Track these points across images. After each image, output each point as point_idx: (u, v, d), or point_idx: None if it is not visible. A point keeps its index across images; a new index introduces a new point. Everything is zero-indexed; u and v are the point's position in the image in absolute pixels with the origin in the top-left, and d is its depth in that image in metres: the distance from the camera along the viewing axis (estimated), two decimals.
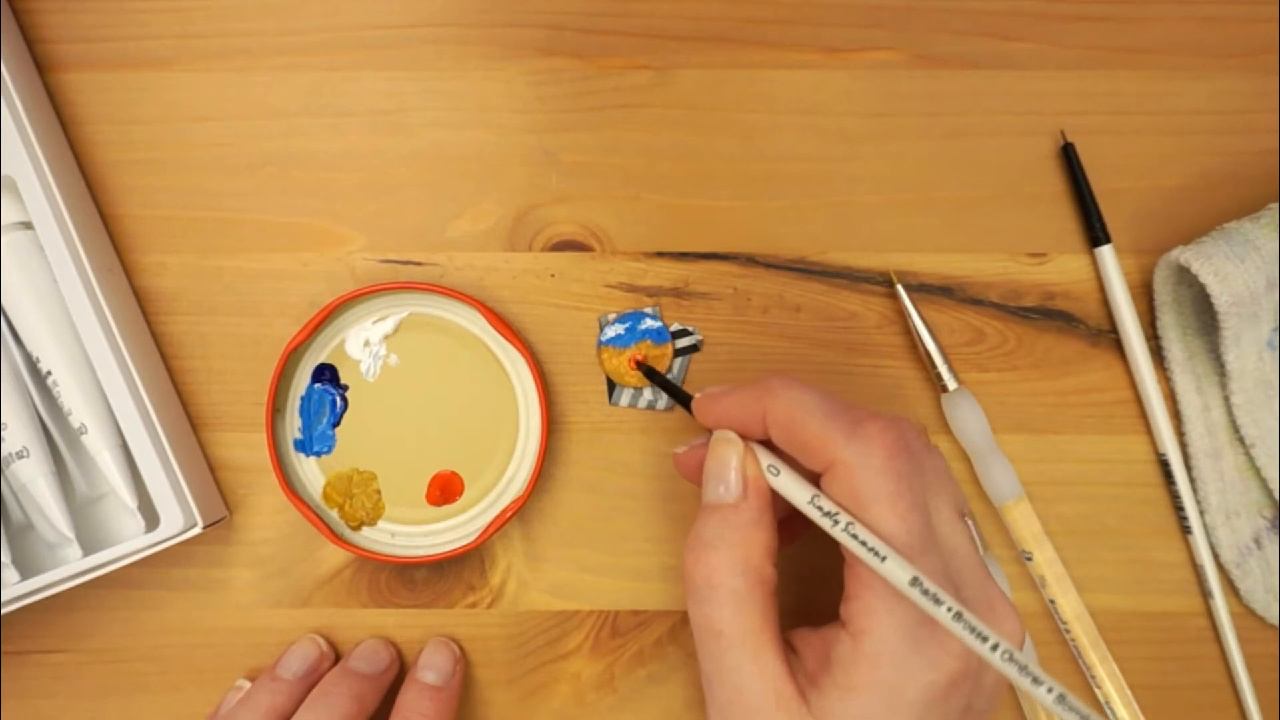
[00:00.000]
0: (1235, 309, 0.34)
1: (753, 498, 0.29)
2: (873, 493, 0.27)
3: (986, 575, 0.29)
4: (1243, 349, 0.35)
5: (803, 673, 0.28)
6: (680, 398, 0.33)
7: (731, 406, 0.30)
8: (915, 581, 0.25)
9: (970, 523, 0.31)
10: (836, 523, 0.27)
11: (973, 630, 0.25)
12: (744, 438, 0.30)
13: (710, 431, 0.31)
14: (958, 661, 0.26)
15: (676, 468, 0.32)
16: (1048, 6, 0.37)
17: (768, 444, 0.30)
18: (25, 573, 0.34)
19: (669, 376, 0.37)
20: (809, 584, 0.36)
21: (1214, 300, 0.34)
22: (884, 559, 0.26)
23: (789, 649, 0.29)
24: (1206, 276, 0.33)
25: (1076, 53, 0.37)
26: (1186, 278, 0.35)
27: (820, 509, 0.27)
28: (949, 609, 0.25)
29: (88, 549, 0.34)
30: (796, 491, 0.28)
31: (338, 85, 0.37)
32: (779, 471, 0.29)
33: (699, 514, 0.30)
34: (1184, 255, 0.34)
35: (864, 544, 0.26)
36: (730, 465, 0.29)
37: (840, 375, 0.37)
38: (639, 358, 0.36)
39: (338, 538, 0.35)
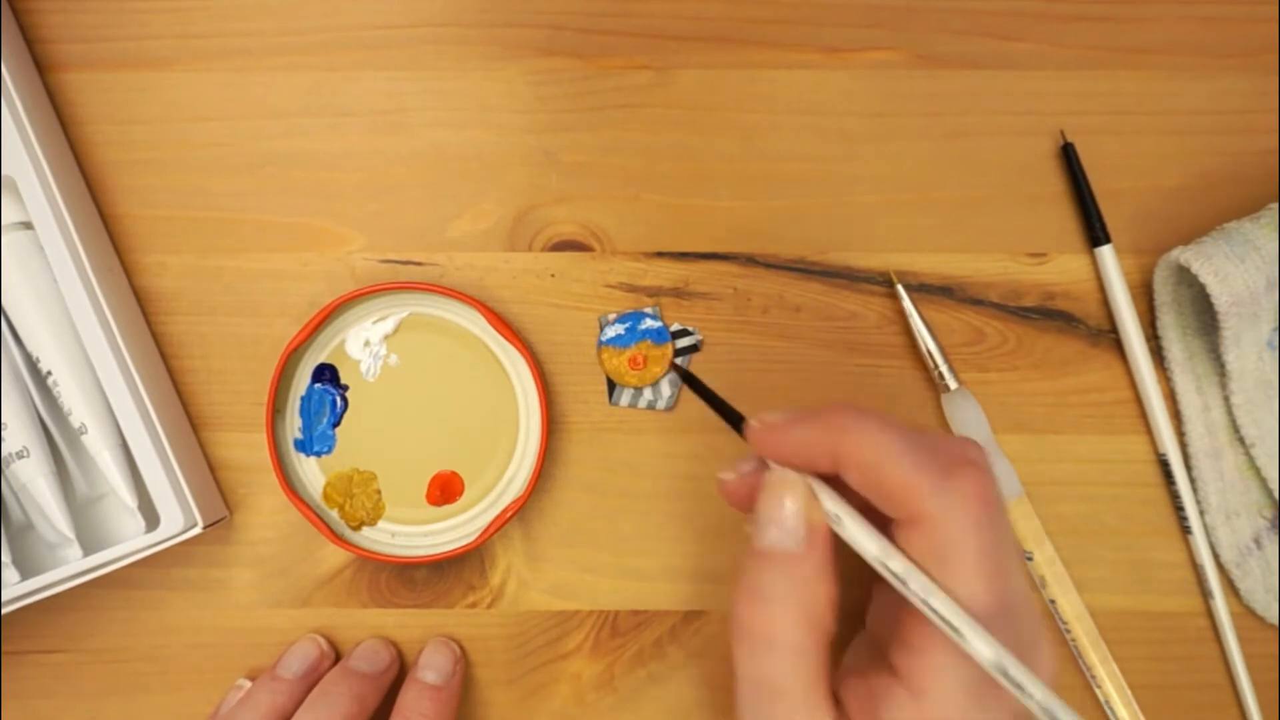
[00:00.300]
0: (1235, 309, 0.34)
1: (818, 548, 0.26)
2: (959, 550, 0.25)
3: (1037, 617, 0.27)
4: (1243, 349, 0.35)
5: None
6: (730, 418, 0.29)
7: (798, 441, 0.27)
8: (1002, 670, 0.24)
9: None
10: (908, 587, 0.25)
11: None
12: (800, 468, 0.27)
13: (758, 456, 0.28)
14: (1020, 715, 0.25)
15: (722, 495, 0.30)
16: (1048, 6, 0.37)
17: (826, 477, 0.27)
18: (25, 573, 0.34)
19: (671, 373, 0.37)
20: None
21: (1214, 300, 0.34)
22: (963, 634, 0.24)
23: (834, 699, 0.27)
24: (1206, 276, 0.33)
25: (1076, 53, 0.37)
26: (1186, 278, 0.35)
27: (892, 571, 0.25)
28: (1037, 702, 0.24)
29: (88, 549, 0.34)
30: (866, 544, 0.26)
31: (338, 85, 0.37)
32: (842, 519, 0.26)
33: (752, 558, 0.27)
34: (1184, 255, 0.34)
35: (941, 617, 0.24)
36: (793, 511, 0.27)
37: (840, 375, 0.37)
38: (641, 358, 0.36)
39: (338, 538, 0.35)
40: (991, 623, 0.24)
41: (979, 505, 0.25)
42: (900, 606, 0.26)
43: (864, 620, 0.30)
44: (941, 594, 0.25)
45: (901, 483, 0.25)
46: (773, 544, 0.27)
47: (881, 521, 0.27)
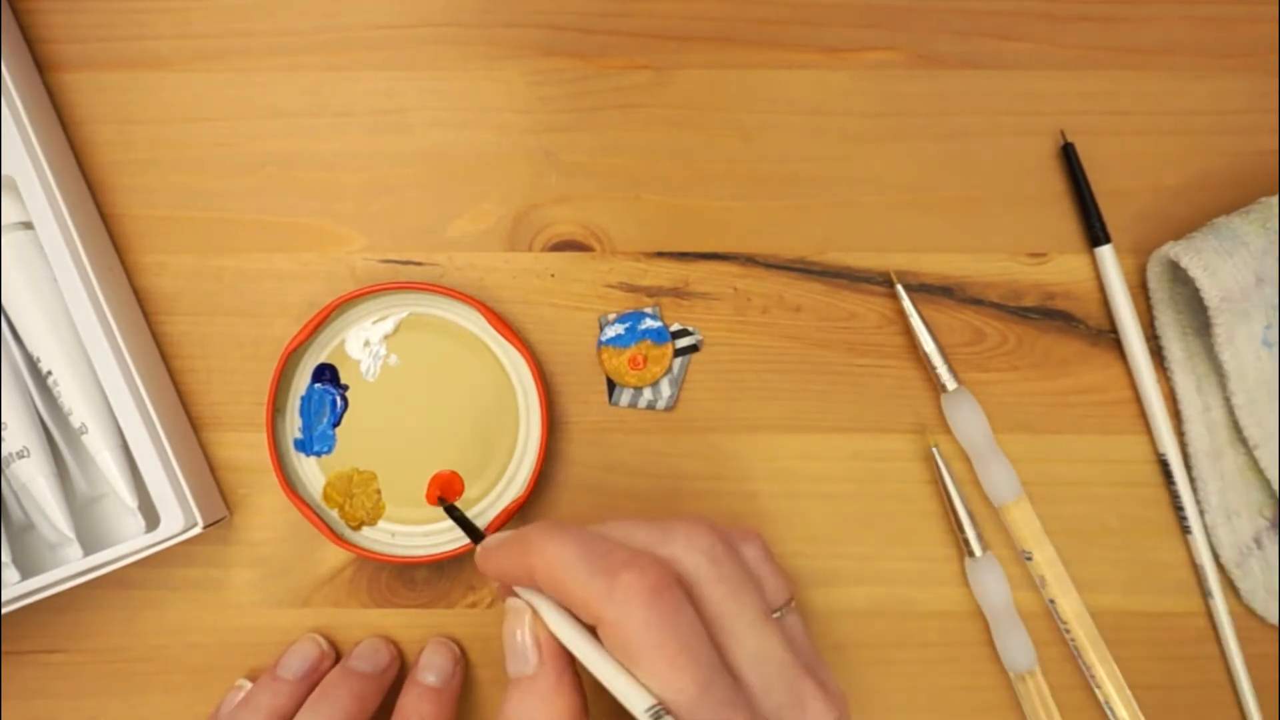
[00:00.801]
0: (1226, 305, 0.34)
1: (549, 663, 0.28)
2: (640, 646, 0.26)
3: (801, 672, 0.28)
4: (1238, 347, 0.35)
5: None
6: (476, 539, 0.32)
7: (502, 564, 0.29)
8: (654, 712, 0.25)
9: (792, 611, 0.30)
10: (608, 682, 0.26)
11: None
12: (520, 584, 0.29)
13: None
14: None
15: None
16: (1048, 6, 0.37)
17: None
18: (25, 573, 0.34)
19: (671, 373, 0.37)
20: None
21: (1204, 295, 0.34)
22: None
23: None
24: (1196, 271, 0.33)
25: (1076, 53, 0.37)
26: (1181, 275, 0.35)
27: (595, 669, 0.27)
28: None
29: (88, 549, 0.34)
30: (576, 645, 0.28)
31: (338, 85, 0.37)
32: (560, 628, 0.28)
33: (507, 687, 0.29)
34: (1174, 250, 0.34)
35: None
36: (519, 636, 0.28)
37: (840, 375, 0.37)
38: (641, 358, 0.36)
39: (338, 538, 0.35)
40: (694, 705, 0.26)
41: (645, 601, 0.26)
42: None
43: None
44: (631, 691, 0.26)
45: (578, 591, 0.27)
46: (513, 671, 0.29)
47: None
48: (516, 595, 0.29)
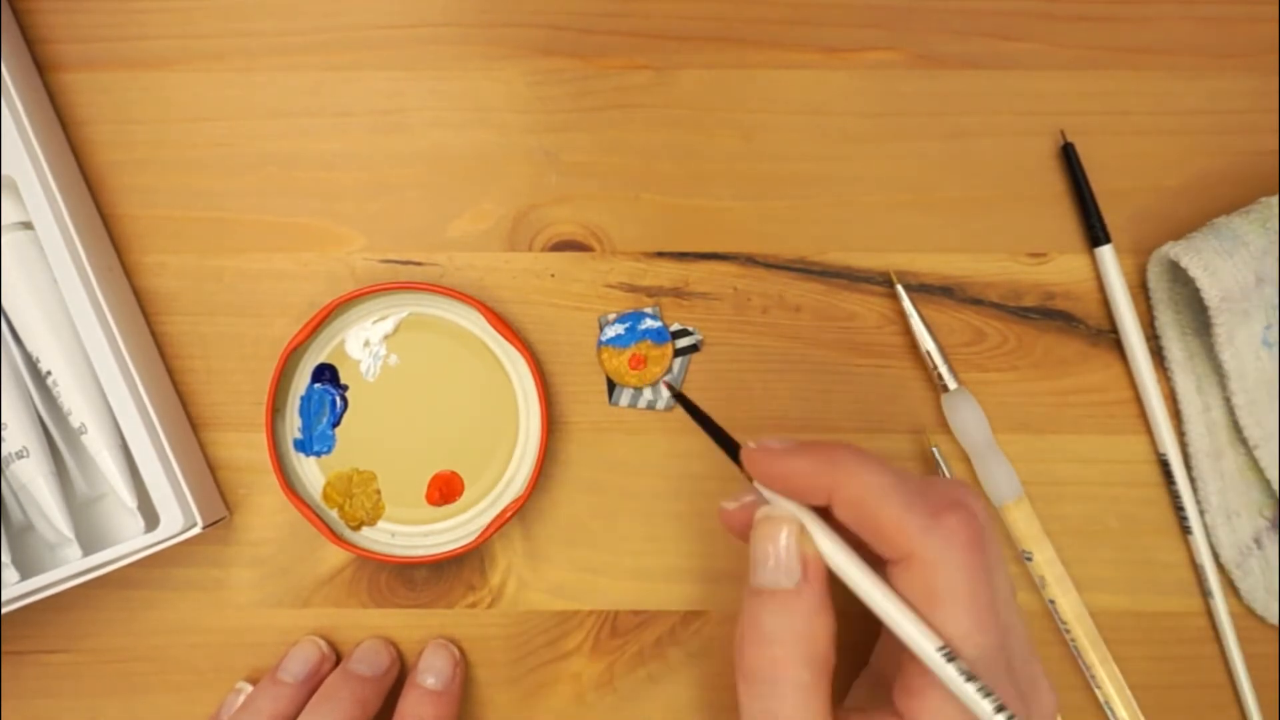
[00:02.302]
0: (1226, 305, 0.34)
1: (814, 582, 0.27)
2: (950, 591, 0.25)
3: (1032, 652, 0.28)
4: (1238, 347, 0.35)
5: None
6: (726, 445, 0.29)
7: (794, 470, 0.27)
8: (946, 654, 0.24)
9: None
10: (896, 623, 0.25)
11: None
12: (791, 497, 0.28)
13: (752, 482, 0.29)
14: None
15: (724, 524, 0.30)
16: (1048, 6, 0.37)
17: (818, 509, 0.28)
18: (25, 573, 0.34)
19: (671, 373, 0.37)
20: None
21: (1204, 295, 0.34)
22: (935, 670, 0.25)
23: None
24: (1196, 271, 0.33)
25: (1076, 53, 0.37)
26: (1181, 275, 0.35)
27: (882, 609, 0.26)
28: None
29: (88, 549, 0.34)
30: (858, 579, 0.26)
31: (338, 85, 0.37)
32: (834, 554, 0.27)
33: (751, 596, 0.27)
34: (1174, 250, 0.34)
35: (922, 653, 0.25)
36: (786, 547, 0.27)
37: (840, 375, 0.37)
38: (641, 358, 0.36)
39: (338, 538, 0.35)
40: (984, 663, 0.25)
41: (967, 546, 0.25)
42: (903, 648, 0.26)
43: (867, 656, 0.30)
44: (922, 632, 0.25)
45: (892, 521, 0.26)
46: (768, 583, 0.27)
47: (874, 562, 0.27)
48: (766, 502, 0.28)
